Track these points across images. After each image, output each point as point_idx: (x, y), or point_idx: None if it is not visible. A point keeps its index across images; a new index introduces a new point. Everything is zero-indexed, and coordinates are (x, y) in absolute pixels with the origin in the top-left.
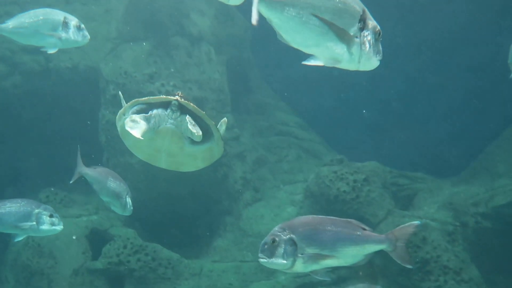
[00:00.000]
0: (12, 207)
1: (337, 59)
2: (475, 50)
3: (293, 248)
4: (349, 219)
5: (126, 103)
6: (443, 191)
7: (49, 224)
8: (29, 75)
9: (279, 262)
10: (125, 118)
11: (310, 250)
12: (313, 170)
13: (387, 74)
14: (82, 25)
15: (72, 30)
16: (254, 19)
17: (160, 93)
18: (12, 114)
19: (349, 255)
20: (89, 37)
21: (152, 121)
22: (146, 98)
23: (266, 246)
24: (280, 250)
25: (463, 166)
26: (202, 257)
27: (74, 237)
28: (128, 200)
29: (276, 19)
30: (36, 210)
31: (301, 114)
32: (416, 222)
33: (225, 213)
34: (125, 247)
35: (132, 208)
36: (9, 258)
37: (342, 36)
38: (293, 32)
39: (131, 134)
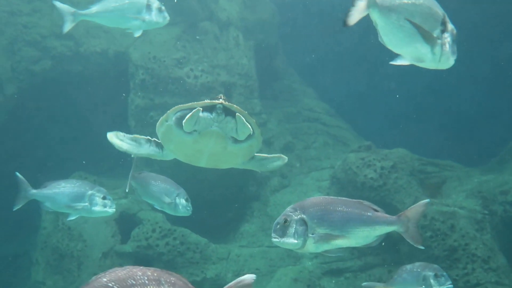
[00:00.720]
0: (67, 187)
1: (421, 59)
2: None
3: (304, 228)
4: (360, 200)
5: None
6: (472, 179)
7: (101, 205)
8: (59, 59)
9: (290, 241)
10: (167, 124)
11: (320, 230)
12: (340, 156)
13: None
14: (163, 7)
15: (154, 12)
16: (352, 21)
17: (188, 78)
18: (41, 99)
19: (360, 236)
20: (168, 18)
21: (198, 125)
22: (189, 104)
23: (278, 226)
24: (291, 230)
25: (493, 155)
26: (229, 242)
27: (111, 219)
28: (180, 200)
29: (382, 23)
30: (90, 192)
31: (328, 101)
32: (426, 200)
33: (252, 199)
34: (153, 231)
35: (188, 208)
36: (40, 241)
37: (428, 38)
38: (391, 34)
39: (172, 139)
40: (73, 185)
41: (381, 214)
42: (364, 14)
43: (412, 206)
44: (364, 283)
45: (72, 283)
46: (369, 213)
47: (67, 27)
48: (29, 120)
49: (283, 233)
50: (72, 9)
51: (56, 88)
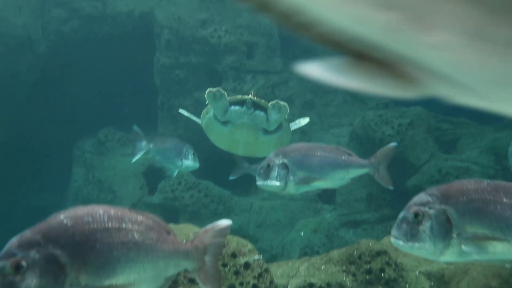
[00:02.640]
0: (172, 143)
1: None
2: None
3: (286, 171)
4: (337, 146)
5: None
6: (486, 136)
7: (192, 160)
8: (87, 20)
9: (273, 184)
10: (208, 117)
11: (300, 173)
12: (359, 114)
13: None
14: None
15: None
16: None
17: (212, 38)
18: (70, 58)
19: (336, 178)
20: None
21: (231, 117)
22: (228, 98)
23: (262, 170)
24: (274, 173)
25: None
26: (251, 195)
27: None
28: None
29: None
30: (185, 148)
31: None
32: (393, 144)
33: None
34: (179, 183)
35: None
36: (71, 193)
37: None
38: None
39: (212, 130)
40: (173, 142)
41: (355, 158)
42: None
43: (381, 149)
44: None
45: None
46: (343, 157)
47: None
48: (58, 79)
49: (266, 176)
50: None
51: (84, 48)
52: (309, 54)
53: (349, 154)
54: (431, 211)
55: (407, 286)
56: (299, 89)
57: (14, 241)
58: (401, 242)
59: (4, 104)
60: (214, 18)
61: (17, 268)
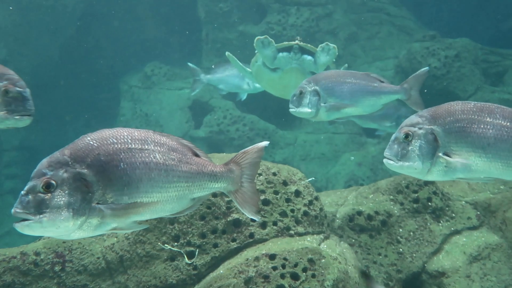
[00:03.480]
0: (233, 70)
1: None
2: None
3: (317, 98)
4: (368, 72)
5: None
6: None
7: (252, 87)
8: None
9: (305, 110)
10: (257, 65)
11: (332, 100)
12: (404, 46)
13: None
14: None
15: None
16: None
17: None
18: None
19: (367, 105)
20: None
21: (280, 63)
22: (275, 44)
23: (294, 98)
24: (306, 100)
25: None
26: (296, 129)
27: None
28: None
29: None
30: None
31: None
32: (425, 68)
33: None
34: (224, 117)
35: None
36: (119, 126)
37: None
38: None
39: (263, 77)
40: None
41: (386, 84)
42: None
43: (413, 75)
44: None
45: None
46: (375, 84)
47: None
48: (105, 14)
49: (298, 103)
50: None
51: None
52: None
53: (381, 81)
54: (420, 131)
55: (453, 215)
56: (343, 21)
57: (44, 161)
58: (391, 162)
59: (54, 37)
60: None
61: (48, 186)
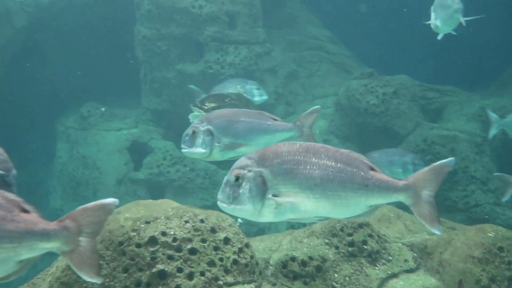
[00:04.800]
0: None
1: None
2: None
3: (210, 137)
4: (261, 111)
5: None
6: (473, 104)
7: (258, 95)
8: None
9: (198, 151)
10: None
11: (226, 140)
12: (343, 84)
13: None
14: None
15: None
16: None
17: (193, 8)
18: (50, 31)
19: (261, 143)
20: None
21: None
22: None
23: (187, 137)
24: (199, 140)
25: (493, 79)
26: None
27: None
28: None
29: None
30: (247, 85)
31: (331, 28)
32: (317, 106)
33: None
34: (164, 158)
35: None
36: (56, 170)
37: None
38: None
39: None
40: (235, 82)
41: (280, 122)
42: None
43: (305, 112)
44: None
45: None
46: (268, 122)
47: None
48: (39, 53)
49: (191, 143)
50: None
51: (63, 21)
52: (291, 23)
53: (274, 119)
54: (250, 174)
55: (390, 258)
56: (282, 59)
57: None
58: (224, 205)
59: None
60: None
61: None
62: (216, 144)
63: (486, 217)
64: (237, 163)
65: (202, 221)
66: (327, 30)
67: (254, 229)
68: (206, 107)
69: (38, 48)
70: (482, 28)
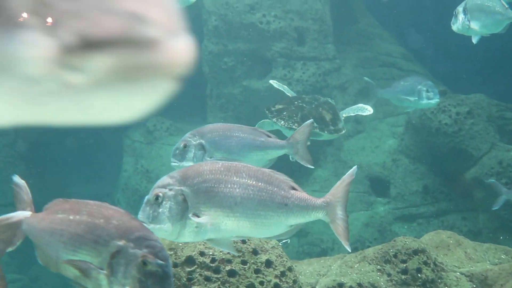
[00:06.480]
0: (405, 83)
1: None
2: None
3: (202, 152)
4: (255, 127)
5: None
6: None
7: (426, 98)
8: None
9: (189, 165)
10: None
11: (218, 154)
12: None
13: None
14: None
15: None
16: None
17: (261, 23)
18: None
19: (254, 160)
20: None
21: None
22: None
23: (177, 151)
24: (190, 154)
25: None
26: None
27: None
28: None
29: None
30: (419, 86)
31: (406, 45)
32: (310, 120)
33: (326, 144)
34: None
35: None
36: (121, 183)
37: None
38: None
39: None
40: (407, 81)
41: (273, 139)
42: None
43: (298, 129)
44: None
45: None
46: (262, 139)
47: None
48: None
49: (182, 157)
50: None
51: None
52: (363, 39)
53: (268, 136)
54: (170, 193)
55: None
56: (353, 76)
57: None
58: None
59: None
60: (263, 2)
61: None
62: (208, 159)
63: None
64: (159, 182)
65: (244, 241)
66: (402, 47)
67: (317, 249)
68: (273, 109)
69: None
70: None
